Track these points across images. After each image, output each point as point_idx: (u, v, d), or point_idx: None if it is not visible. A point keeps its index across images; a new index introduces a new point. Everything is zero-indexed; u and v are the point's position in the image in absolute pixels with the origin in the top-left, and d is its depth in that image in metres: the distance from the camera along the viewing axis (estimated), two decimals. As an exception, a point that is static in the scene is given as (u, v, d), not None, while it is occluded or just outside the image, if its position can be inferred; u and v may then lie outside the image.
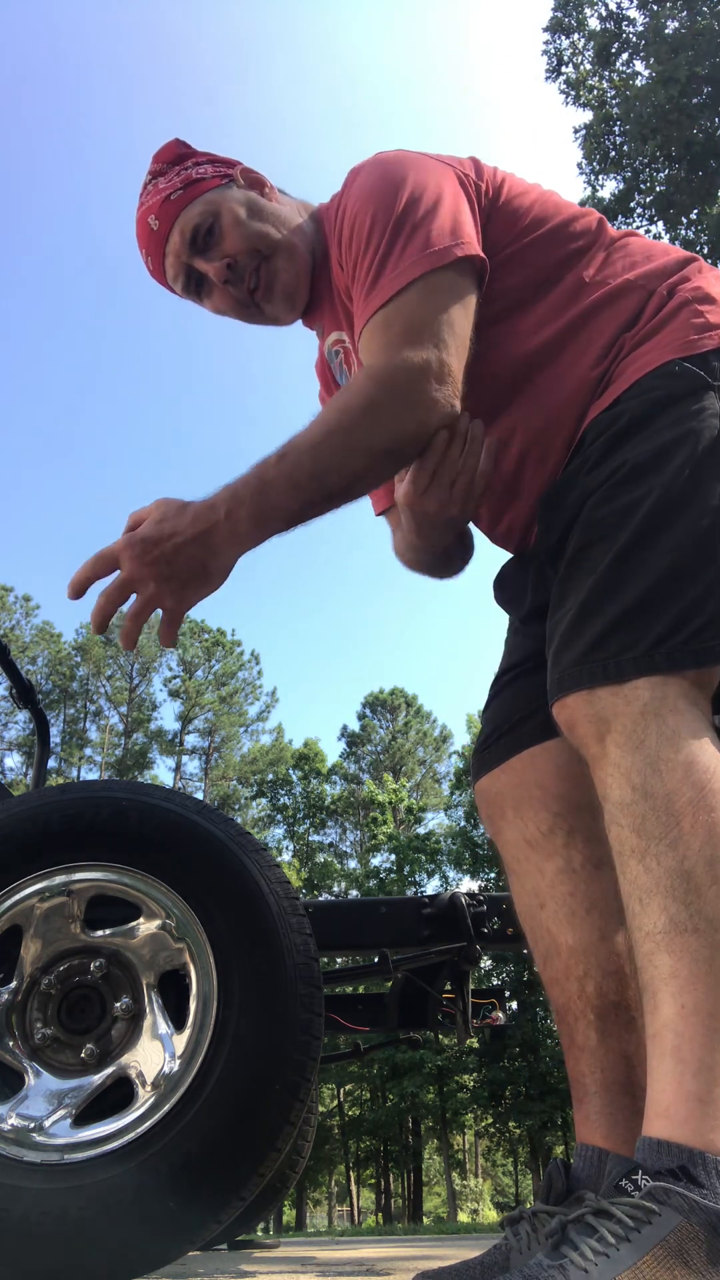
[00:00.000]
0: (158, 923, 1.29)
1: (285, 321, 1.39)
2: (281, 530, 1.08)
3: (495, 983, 20.76)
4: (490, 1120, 24.77)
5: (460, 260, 1.14)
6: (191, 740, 35.32)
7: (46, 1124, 1.21)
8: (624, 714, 0.97)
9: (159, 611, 1.09)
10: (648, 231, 14.71)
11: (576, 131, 14.92)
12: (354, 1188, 28.66)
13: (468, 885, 23.79)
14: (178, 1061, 1.21)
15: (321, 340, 1.44)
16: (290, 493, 1.06)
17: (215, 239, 1.32)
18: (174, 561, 1.05)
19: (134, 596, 1.06)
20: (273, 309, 1.36)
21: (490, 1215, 28.81)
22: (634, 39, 14.31)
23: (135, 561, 1.04)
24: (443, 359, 1.10)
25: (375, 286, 1.15)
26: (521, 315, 1.23)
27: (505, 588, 1.38)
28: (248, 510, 1.05)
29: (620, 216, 14.64)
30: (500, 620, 1.47)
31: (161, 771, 34.28)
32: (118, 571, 1.06)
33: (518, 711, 1.29)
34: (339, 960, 2.71)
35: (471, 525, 1.47)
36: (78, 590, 1.07)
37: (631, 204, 14.64)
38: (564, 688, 1.03)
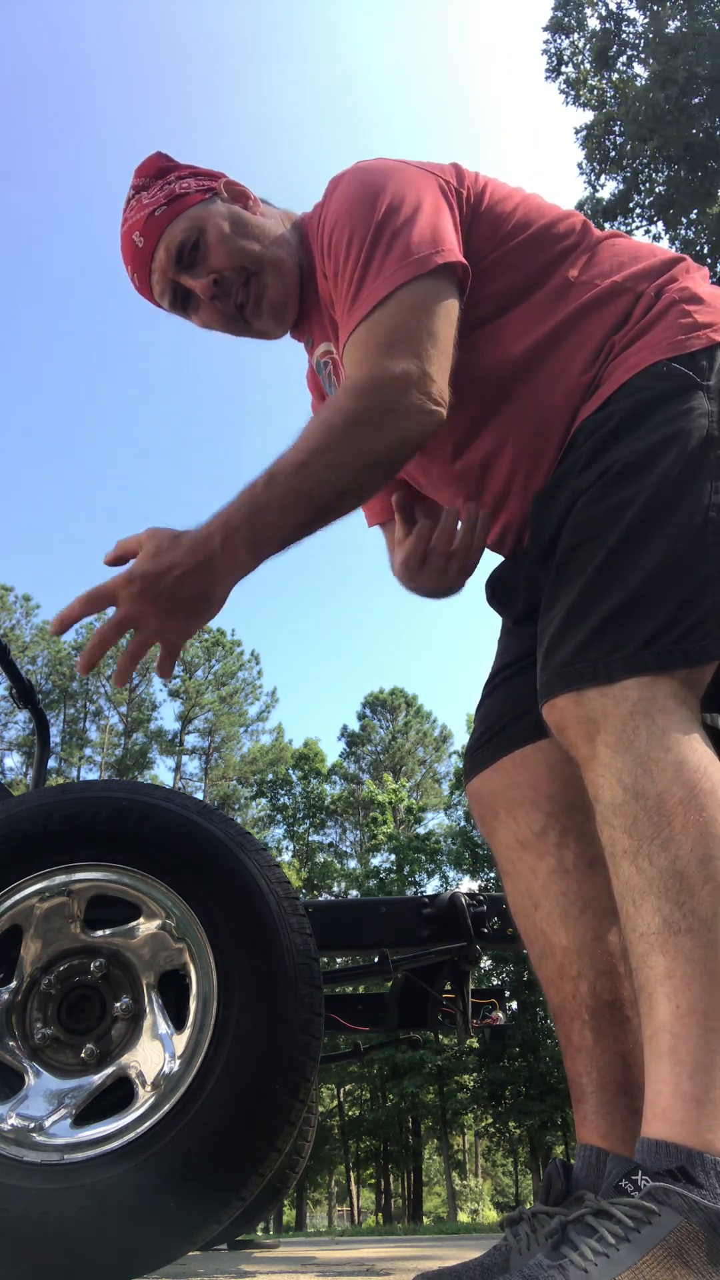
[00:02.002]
0: (158, 923, 1.29)
1: (274, 335, 1.40)
2: (278, 552, 1.09)
3: (495, 983, 20.76)
4: (490, 1120, 24.77)
5: (441, 268, 1.14)
6: (191, 740, 35.35)
7: (46, 1124, 1.21)
8: (613, 714, 0.97)
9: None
10: (647, 232, 14.72)
11: (577, 132, 14.92)
12: (354, 1188, 28.67)
13: (468, 885, 23.81)
14: (178, 1061, 1.21)
15: (310, 351, 1.44)
16: (282, 515, 1.06)
17: (201, 255, 1.32)
18: (175, 595, 1.04)
19: (129, 633, 1.06)
20: (260, 324, 1.36)
21: (490, 1215, 28.82)
22: (633, 39, 14.31)
23: (136, 598, 1.04)
24: (423, 368, 1.10)
25: (356, 299, 1.15)
26: (508, 319, 1.23)
27: (498, 589, 1.38)
28: (243, 537, 1.05)
29: (620, 216, 14.64)
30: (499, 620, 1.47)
31: (161, 771, 34.31)
32: (111, 610, 1.05)
33: (510, 712, 1.29)
34: (339, 960, 2.71)
35: None
36: (64, 626, 1.06)
37: (631, 204, 14.64)
38: (553, 689, 1.03)
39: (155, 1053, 1.24)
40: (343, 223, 1.20)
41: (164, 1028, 1.25)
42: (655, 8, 13.92)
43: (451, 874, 26.33)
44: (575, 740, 1.01)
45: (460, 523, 1.31)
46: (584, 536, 1.07)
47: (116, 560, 1.09)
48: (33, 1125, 1.21)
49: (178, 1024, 1.25)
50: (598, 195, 14.92)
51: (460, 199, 1.25)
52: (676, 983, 0.88)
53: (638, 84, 14.09)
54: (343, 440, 1.08)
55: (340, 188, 1.25)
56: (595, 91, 14.79)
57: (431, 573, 1.33)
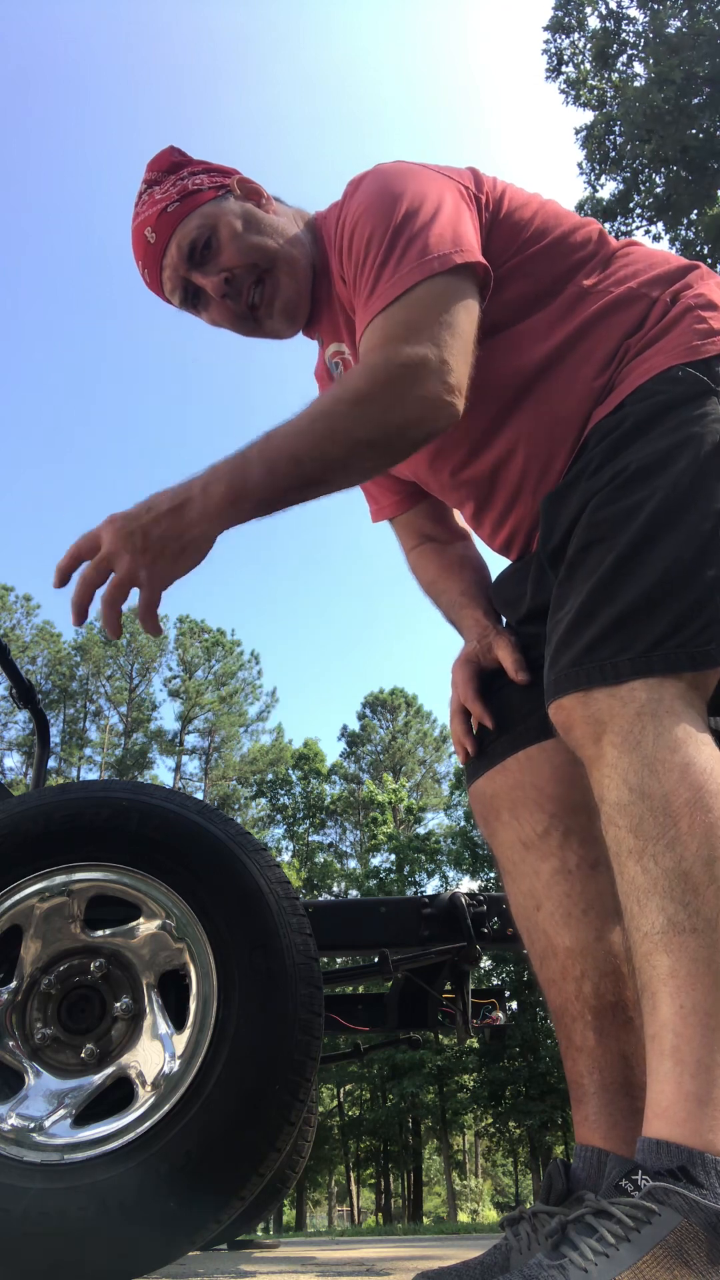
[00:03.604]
0: (158, 923, 1.29)
1: (284, 335, 1.39)
2: (258, 512, 1.08)
3: (495, 983, 20.76)
4: (490, 1120, 24.77)
5: (460, 267, 1.13)
6: (191, 740, 35.35)
7: (46, 1124, 1.21)
8: (620, 715, 0.97)
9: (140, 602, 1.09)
10: (647, 232, 14.72)
11: (577, 132, 14.92)
12: (354, 1188, 28.66)
13: (468, 885, 23.82)
14: (178, 1061, 1.21)
15: (321, 350, 1.44)
16: (267, 474, 1.06)
17: (213, 252, 1.31)
18: (150, 533, 1.05)
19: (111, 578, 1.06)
20: (272, 323, 1.35)
21: (490, 1215, 28.82)
22: (632, 39, 14.31)
23: (112, 536, 1.05)
24: (442, 356, 1.09)
25: (374, 294, 1.15)
26: (523, 325, 1.22)
27: (503, 590, 1.38)
28: (224, 487, 1.05)
29: (620, 216, 14.64)
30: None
31: (161, 771, 34.32)
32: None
33: (514, 712, 1.29)
34: (339, 960, 2.71)
35: (476, 537, 1.48)
36: (63, 577, 1.08)
37: (631, 204, 14.64)
38: (560, 689, 1.03)
39: (155, 1053, 1.24)
40: (362, 224, 1.20)
41: (164, 1028, 1.25)
42: (655, 6, 13.92)
43: (451, 874, 26.33)
44: (582, 740, 1.01)
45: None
46: (595, 538, 1.07)
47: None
48: (33, 1125, 1.21)
49: (178, 1024, 1.25)
50: (598, 195, 14.92)
51: (479, 205, 1.24)
52: (680, 982, 0.88)
53: (637, 84, 14.09)
54: (343, 414, 1.07)
55: (360, 190, 1.25)
56: (595, 91, 14.79)
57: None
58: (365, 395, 1.08)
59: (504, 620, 1.40)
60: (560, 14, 14.92)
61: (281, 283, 1.32)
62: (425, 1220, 24.81)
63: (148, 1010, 1.27)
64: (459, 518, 1.54)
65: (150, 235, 1.32)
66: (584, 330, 1.20)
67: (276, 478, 1.06)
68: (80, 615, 1.07)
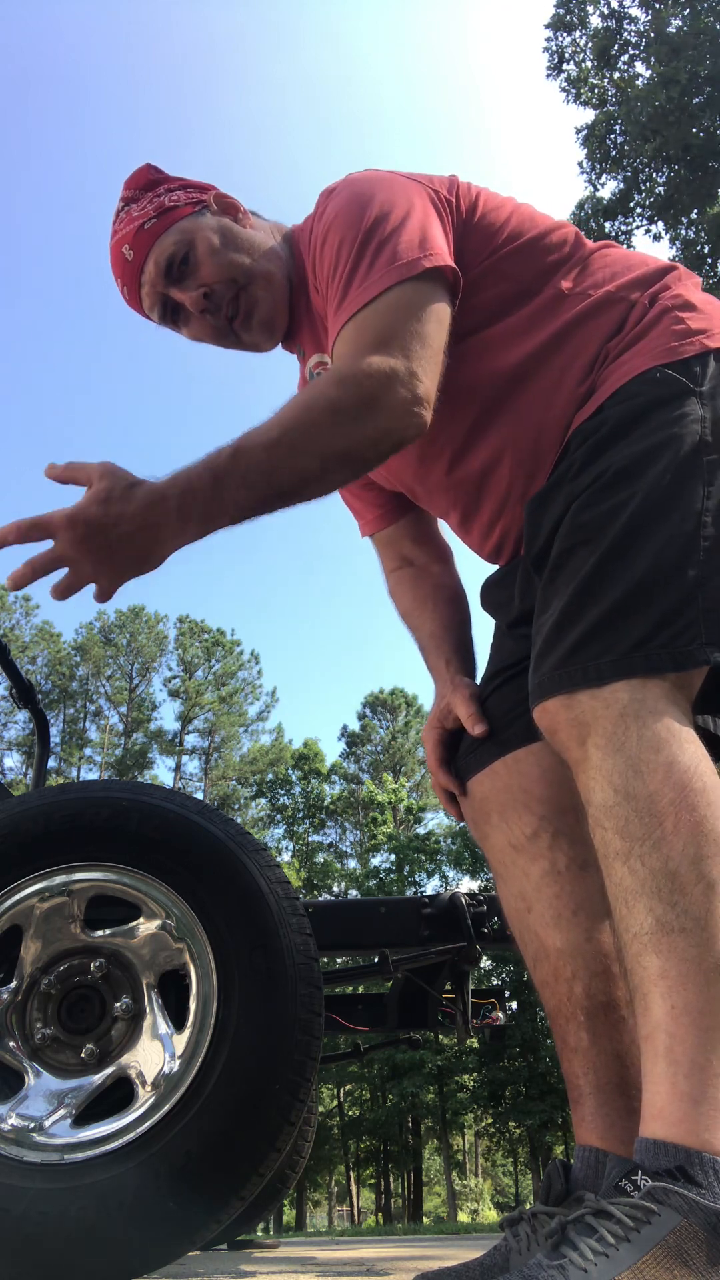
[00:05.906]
0: (158, 923, 1.29)
1: (264, 348, 1.39)
2: (229, 525, 1.07)
3: (495, 983, 20.76)
4: (490, 1120, 24.78)
5: (430, 271, 1.14)
6: (191, 740, 35.37)
7: (46, 1124, 1.21)
8: (603, 717, 0.97)
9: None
10: (648, 231, 14.72)
11: (578, 131, 14.91)
12: (354, 1188, 28.66)
13: (467, 885, 23.83)
14: (178, 1061, 1.21)
15: (303, 363, 1.44)
16: (242, 490, 1.04)
17: (190, 268, 1.31)
18: (116, 549, 1.03)
19: (64, 570, 1.04)
20: (251, 337, 1.36)
21: (490, 1215, 28.82)
22: (635, 38, 14.30)
23: (75, 543, 1.02)
24: (411, 367, 1.09)
25: (344, 301, 1.15)
26: (501, 328, 1.23)
27: (492, 593, 1.38)
28: (200, 508, 1.04)
29: (620, 216, 14.64)
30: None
31: (161, 771, 34.33)
32: (50, 542, 1.03)
33: (503, 715, 1.29)
34: (339, 960, 2.71)
35: (462, 544, 1.49)
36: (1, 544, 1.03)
37: (631, 204, 14.64)
38: (545, 692, 1.03)
39: (155, 1053, 1.24)
40: (333, 233, 1.20)
41: (164, 1028, 1.25)
42: (657, 5, 13.90)
43: (451, 874, 26.33)
44: (566, 743, 1.01)
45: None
46: (577, 541, 1.07)
47: (62, 481, 1.07)
48: (33, 1125, 1.21)
49: (178, 1024, 1.25)
50: (598, 195, 14.91)
51: (452, 209, 1.25)
52: (671, 982, 0.88)
53: (639, 83, 14.07)
54: (318, 426, 1.06)
55: (331, 201, 1.26)
56: (596, 90, 14.77)
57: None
58: (336, 405, 1.07)
59: (495, 626, 1.40)
60: (561, 12, 14.89)
61: (259, 297, 1.33)
62: (425, 1220, 24.82)
63: (148, 1010, 1.27)
64: (442, 532, 1.55)
65: (128, 252, 1.33)
66: (565, 334, 1.20)
67: (251, 493, 1.05)
68: (17, 587, 1.05)
